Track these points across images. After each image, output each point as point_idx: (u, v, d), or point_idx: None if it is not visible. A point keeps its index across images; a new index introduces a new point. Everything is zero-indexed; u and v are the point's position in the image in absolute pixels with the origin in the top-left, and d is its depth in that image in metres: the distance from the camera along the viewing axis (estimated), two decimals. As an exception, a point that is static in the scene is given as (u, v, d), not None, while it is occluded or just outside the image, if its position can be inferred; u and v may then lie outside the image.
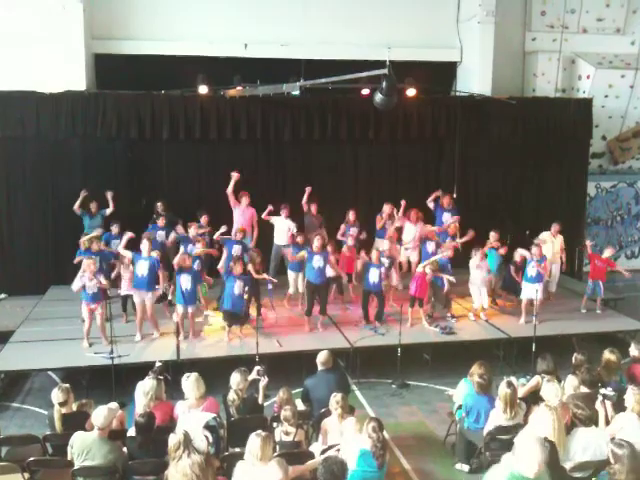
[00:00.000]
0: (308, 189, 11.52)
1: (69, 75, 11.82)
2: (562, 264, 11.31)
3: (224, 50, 12.64)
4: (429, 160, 13.66)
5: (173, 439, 5.01)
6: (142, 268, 9.11)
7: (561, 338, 9.77)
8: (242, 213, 11.44)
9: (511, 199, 13.46)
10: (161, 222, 10.88)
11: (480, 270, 10.11)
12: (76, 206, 11.18)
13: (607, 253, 10.98)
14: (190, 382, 6.19)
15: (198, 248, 9.91)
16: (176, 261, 9.22)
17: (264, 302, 10.28)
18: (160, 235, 10.76)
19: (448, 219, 11.59)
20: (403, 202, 11.39)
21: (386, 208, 11.49)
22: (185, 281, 9.12)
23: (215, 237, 10.32)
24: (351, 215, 11.44)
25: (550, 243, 11.02)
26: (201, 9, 12.70)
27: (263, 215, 11.28)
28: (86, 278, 8.72)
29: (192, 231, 10.37)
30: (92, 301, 8.78)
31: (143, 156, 12.39)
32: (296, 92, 11.89)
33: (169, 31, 12.55)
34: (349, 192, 12.80)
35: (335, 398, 6.01)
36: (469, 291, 10.44)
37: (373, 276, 9.76)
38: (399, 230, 11.31)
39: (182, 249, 9.67)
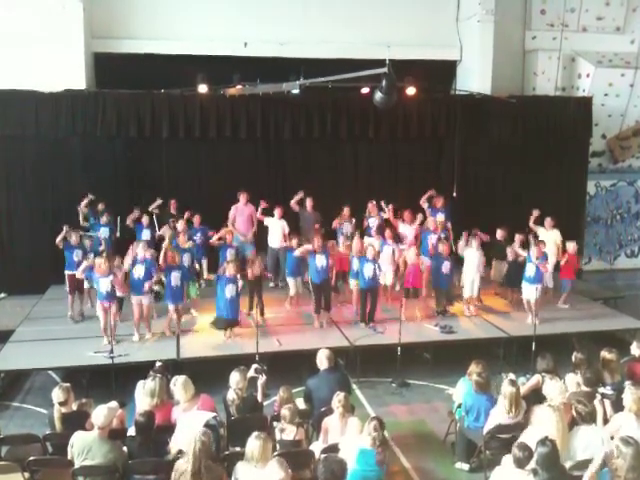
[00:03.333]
0: (300, 193, 11.59)
1: (69, 74, 11.83)
2: (559, 254, 11.28)
3: (224, 49, 12.65)
4: (429, 158, 13.67)
5: (181, 464, 4.96)
6: (139, 271, 9.16)
7: (561, 337, 9.77)
8: (241, 212, 11.49)
9: (511, 197, 13.45)
10: (146, 221, 11.07)
11: (475, 256, 10.18)
12: (83, 205, 11.20)
13: (571, 249, 10.86)
14: (178, 386, 6.19)
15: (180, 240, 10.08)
16: (162, 260, 9.20)
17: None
18: (145, 234, 10.96)
19: (442, 219, 11.61)
20: (390, 206, 11.34)
21: (369, 206, 11.56)
22: (175, 279, 9.21)
23: (212, 241, 10.58)
24: (345, 211, 11.50)
25: (545, 237, 11.05)
26: (201, 8, 12.71)
27: (257, 215, 11.36)
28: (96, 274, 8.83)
29: (180, 225, 10.55)
30: (106, 300, 8.82)
31: (143, 155, 12.41)
32: (296, 91, 11.88)
33: (169, 30, 12.57)
34: (349, 190, 12.79)
35: (338, 397, 6.02)
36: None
37: (368, 271, 9.76)
38: (394, 231, 11.24)
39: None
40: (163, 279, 9.61)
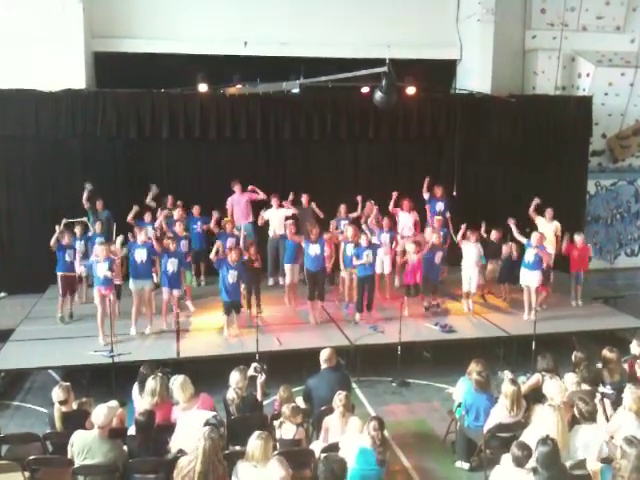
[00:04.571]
0: (291, 195, 11.68)
1: (69, 74, 11.84)
2: (557, 246, 11.29)
3: (224, 48, 12.66)
4: (429, 158, 13.66)
5: (185, 462, 4.96)
6: (140, 255, 9.21)
7: (561, 336, 9.77)
8: (237, 202, 11.54)
9: (511, 197, 13.45)
10: (148, 217, 11.05)
11: (473, 251, 10.21)
12: (84, 199, 11.20)
13: (579, 241, 10.88)
14: (176, 386, 6.19)
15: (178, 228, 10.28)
16: (156, 245, 9.28)
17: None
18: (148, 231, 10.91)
19: (441, 208, 11.76)
20: (395, 193, 11.43)
21: (368, 205, 11.59)
22: (171, 265, 9.31)
23: (212, 226, 10.75)
24: (342, 209, 11.55)
25: (544, 228, 11.06)
26: (201, 8, 12.71)
27: (259, 222, 11.45)
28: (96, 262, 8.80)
29: (176, 213, 10.78)
30: (104, 286, 8.80)
31: (143, 155, 12.41)
32: (296, 90, 11.90)
33: (169, 29, 12.57)
34: (349, 190, 12.74)
35: (339, 396, 6.02)
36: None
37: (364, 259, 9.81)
38: (393, 220, 11.29)
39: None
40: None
